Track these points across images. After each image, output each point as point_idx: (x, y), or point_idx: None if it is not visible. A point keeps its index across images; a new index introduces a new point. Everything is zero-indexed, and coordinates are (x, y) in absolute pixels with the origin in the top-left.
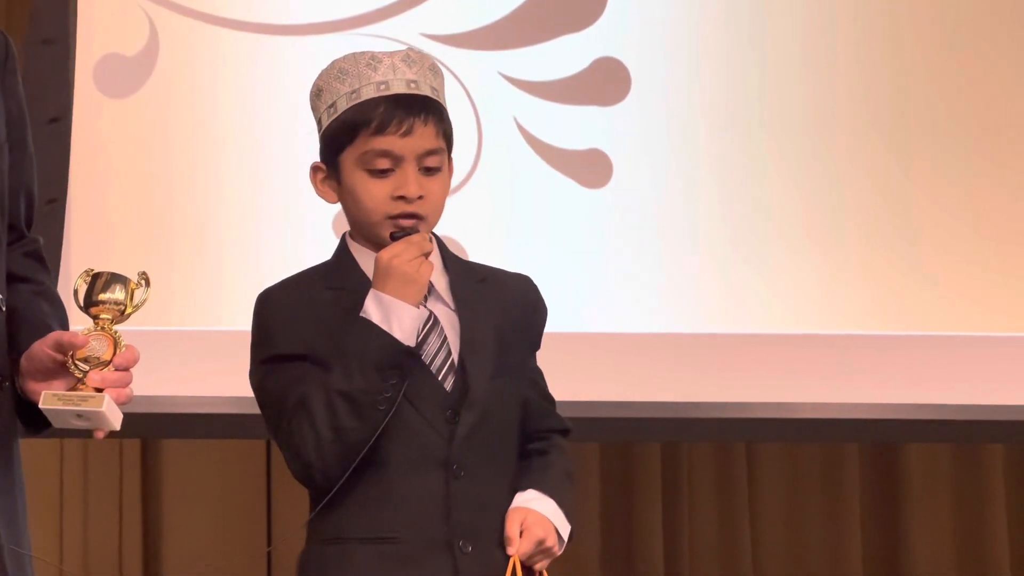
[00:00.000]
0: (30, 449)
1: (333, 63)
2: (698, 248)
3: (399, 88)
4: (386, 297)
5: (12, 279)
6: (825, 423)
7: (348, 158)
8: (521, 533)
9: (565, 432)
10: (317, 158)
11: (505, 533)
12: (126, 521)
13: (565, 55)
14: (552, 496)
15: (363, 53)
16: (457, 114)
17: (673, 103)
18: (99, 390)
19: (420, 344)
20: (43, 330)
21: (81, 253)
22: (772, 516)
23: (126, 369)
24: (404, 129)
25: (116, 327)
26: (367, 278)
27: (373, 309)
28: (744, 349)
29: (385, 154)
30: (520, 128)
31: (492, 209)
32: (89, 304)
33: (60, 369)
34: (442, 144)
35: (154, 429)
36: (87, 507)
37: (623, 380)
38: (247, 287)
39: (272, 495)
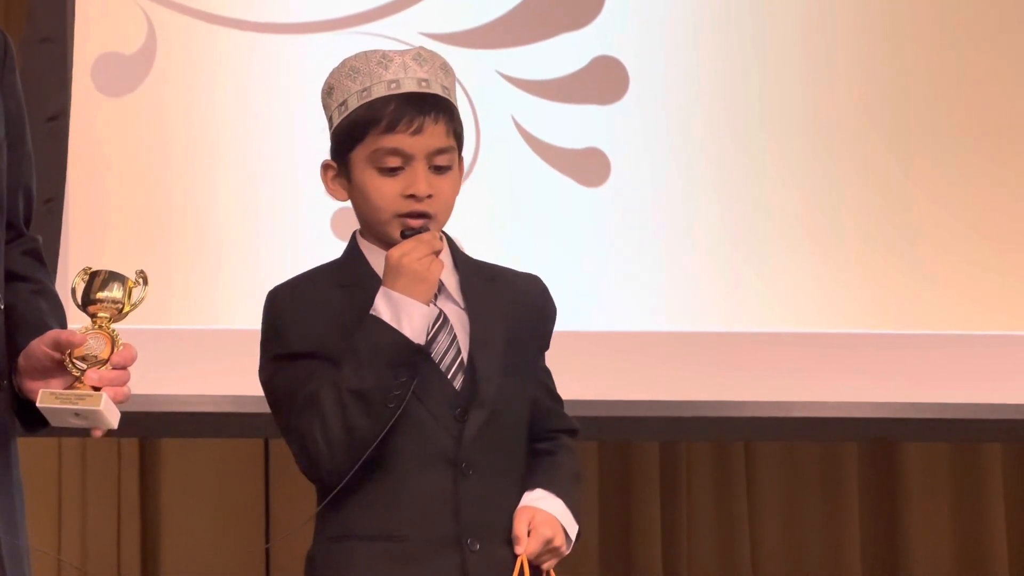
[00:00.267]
0: (28, 448)
1: (345, 61)
2: (696, 247)
3: (410, 86)
4: (396, 295)
5: (11, 277)
6: (824, 422)
7: (358, 156)
8: (529, 532)
9: (573, 432)
10: (317, 156)
11: (513, 532)
12: (124, 520)
13: (563, 54)
14: (560, 496)
15: (374, 51)
16: None
17: (671, 102)
18: (97, 389)
19: (430, 342)
20: (41, 329)
21: (79, 252)
22: (771, 515)
23: (124, 368)
24: (414, 127)
25: (114, 326)
26: (377, 276)
27: (383, 307)
28: (743, 348)
29: (395, 152)
30: (518, 127)
31: (490, 208)
32: (87, 303)
33: (58, 368)
34: (452, 143)
35: (152, 428)
36: (85, 506)
37: (621, 379)
38: (245, 286)
39: (270, 494)
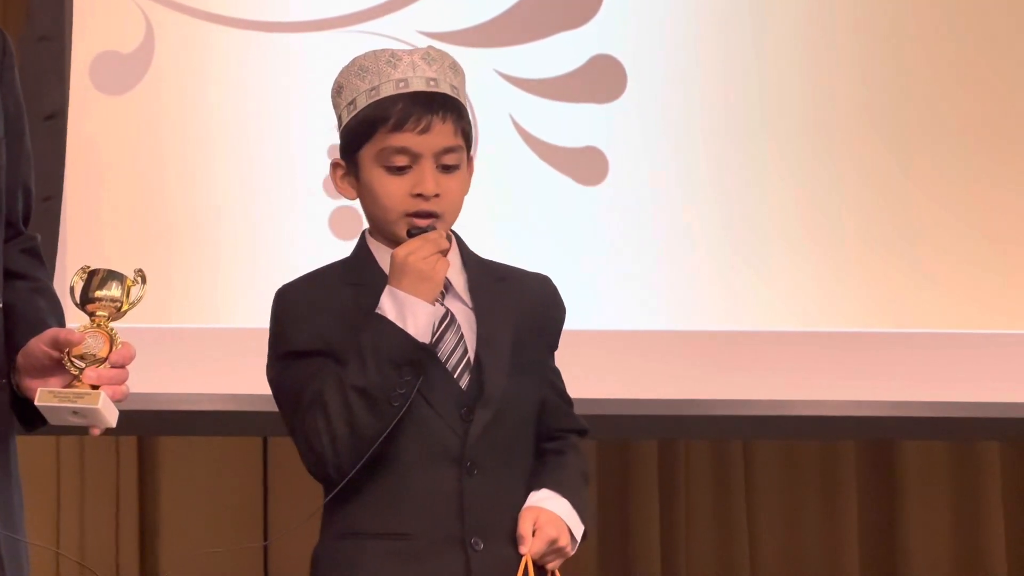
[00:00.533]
0: (26, 446)
1: (354, 60)
2: (695, 245)
3: (418, 85)
4: (401, 293)
5: (9, 276)
6: (822, 420)
7: (367, 155)
8: (534, 532)
9: (582, 432)
10: (316, 154)
11: (518, 532)
12: (122, 518)
13: (561, 52)
14: (566, 496)
15: (383, 51)
16: None
17: (670, 100)
18: (95, 387)
19: (436, 342)
20: (40, 327)
21: (77, 250)
22: (769, 513)
23: (122, 366)
24: (422, 126)
25: (112, 324)
26: (385, 275)
27: (388, 305)
28: (741, 346)
29: (403, 151)
30: (516, 125)
31: (488, 206)
32: (85, 301)
33: (56, 366)
34: (460, 142)
35: (150, 426)
36: (83, 504)
37: (620, 377)
38: (244, 284)
39: (268, 492)
